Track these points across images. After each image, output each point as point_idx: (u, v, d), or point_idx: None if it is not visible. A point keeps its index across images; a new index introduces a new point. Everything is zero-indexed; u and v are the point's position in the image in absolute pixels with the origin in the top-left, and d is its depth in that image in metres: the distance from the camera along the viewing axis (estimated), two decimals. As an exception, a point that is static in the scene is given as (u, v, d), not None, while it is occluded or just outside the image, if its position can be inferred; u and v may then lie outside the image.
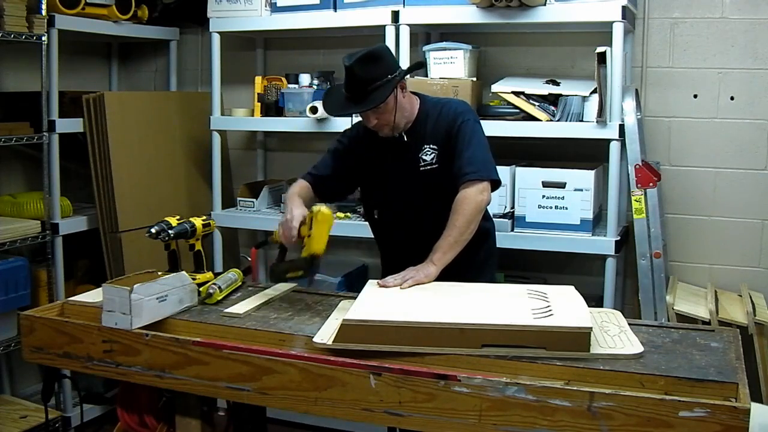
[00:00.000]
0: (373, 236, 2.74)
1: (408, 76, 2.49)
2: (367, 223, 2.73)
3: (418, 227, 2.47)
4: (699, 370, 1.78)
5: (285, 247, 2.35)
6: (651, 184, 3.00)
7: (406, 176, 2.49)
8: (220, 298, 2.33)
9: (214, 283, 2.33)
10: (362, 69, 2.30)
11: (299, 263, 2.28)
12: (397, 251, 2.54)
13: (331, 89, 2.53)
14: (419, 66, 2.64)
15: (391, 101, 2.37)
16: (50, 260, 3.43)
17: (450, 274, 2.31)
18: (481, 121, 3.09)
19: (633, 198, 3.01)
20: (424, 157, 2.46)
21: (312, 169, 2.62)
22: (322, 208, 2.23)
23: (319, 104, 3.31)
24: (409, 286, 2.23)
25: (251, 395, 1.96)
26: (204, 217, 2.48)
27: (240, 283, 2.47)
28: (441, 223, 2.36)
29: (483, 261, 2.60)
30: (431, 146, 2.46)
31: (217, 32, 3.58)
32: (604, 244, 2.99)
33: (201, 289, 2.32)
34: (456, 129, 2.42)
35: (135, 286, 2.07)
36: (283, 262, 2.35)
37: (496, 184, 2.42)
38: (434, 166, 2.46)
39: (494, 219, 2.94)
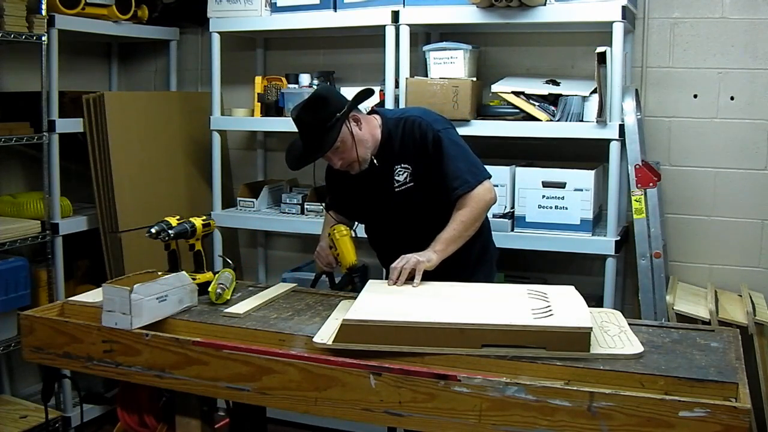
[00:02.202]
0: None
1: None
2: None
3: (404, 243, 2.42)
4: (699, 370, 1.78)
5: (330, 272, 2.64)
6: (651, 184, 3.00)
7: (383, 198, 2.49)
8: (229, 296, 2.34)
9: (221, 283, 2.33)
10: (309, 115, 2.31)
11: (343, 281, 2.54)
12: (391, 261, 2.55)
13: (291, 145, 2.51)
14: (367, 94, 2.41)
15: (348, 139, 2.34)
16: (50, 260, 3.43)
17: (448, 271, 2.32)
18: (480, 122, 3.12)
19: (633, 198, 3.01)
20: (397, 177, 2.44)
21: (327, 200, 2.75)
22: (337, 226, 2.50)
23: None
24: (411, 267, 2.25)
25: (251, 395, 1.96)
26: (204, 217, 2.49)
27: (236, 283, 2.47)
28: (427, 236, 2.36)
29: (477, 257, 2.59)
30: (402, 165, 2.43)
31: (217, 32, 3.58)
32: (604, 244, 2.99)
33: (210, 289, 2.32)
34: (431, 145, 2.39)
35: (135, 286, 2.07)
36: (335, 285, 2.63)
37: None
38: (409, 185, 2.44)
39: (494, 219, 2.96)
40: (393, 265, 2.29)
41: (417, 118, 2.44)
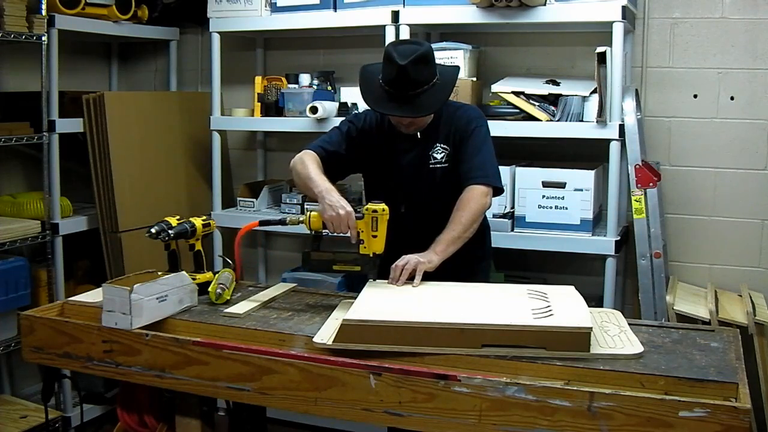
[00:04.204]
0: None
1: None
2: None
3: (418, 222, 2.50)
4: (699, 370, 1.78)
5: (321, 235, 2.33)
6: (651, 184, 3.00)
7: (415, 171, 2.52)
8: (229, 296, 2.34)
9: (221, 283, 2.33)
10: (415, 70, 2.29)
11: (357, 260, 2.28)
12: (394, 246, 2.56)
13: (365, 76, 2.44)
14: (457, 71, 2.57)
15: None
16: (50, 260, 3.43)
17: (447, 271, 2.33)
18: (481, 121, 3.11)
19: (633, 198, 3.01)
20: (434, 155, 2.50)
21: (324, 144, 2.52)
22: (379, 204, 2.24)
23: (319, 104, 3.31)
24: (412, 268, 2.25)
25: (251, 395, 1.96)
26: (204, 217, 2.48)
27: (235, 284, 2.47)
28: (440, 220, 2.39)
29: (480, 259, 2.64)
30: (443, 146, 2.50)
31: (217, 32, 3.58)
32: (604, 244, 2.99)
33: (210, 289, 2.32)
34: (469, 133, 2.47)
35: (135, 286, 2.07)
36: (322, 251, 2.33)
37: (498, 191, 2.48)
38: (444, 166, 2.50)
39: (494, 219, 2.97)
40: (394, 264, 2.29)
41: (470, 111, 2.57)
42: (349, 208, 2.23)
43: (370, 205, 2.24)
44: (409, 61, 2.26)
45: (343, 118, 2.68)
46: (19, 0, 3.13)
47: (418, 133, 2.50)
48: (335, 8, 3.35)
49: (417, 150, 2.52)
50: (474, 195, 2.39)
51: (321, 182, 2.33)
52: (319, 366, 1.88)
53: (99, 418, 3.59)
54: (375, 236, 2.23)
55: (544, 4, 2.98)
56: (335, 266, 2.32)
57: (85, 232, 3.59)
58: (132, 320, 2.07)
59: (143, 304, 2.09)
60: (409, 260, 2.27)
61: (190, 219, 2.43)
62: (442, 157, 2.50)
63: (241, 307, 2.24)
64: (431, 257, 2.29)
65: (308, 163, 2.41)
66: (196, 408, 2.18)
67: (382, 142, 2.55)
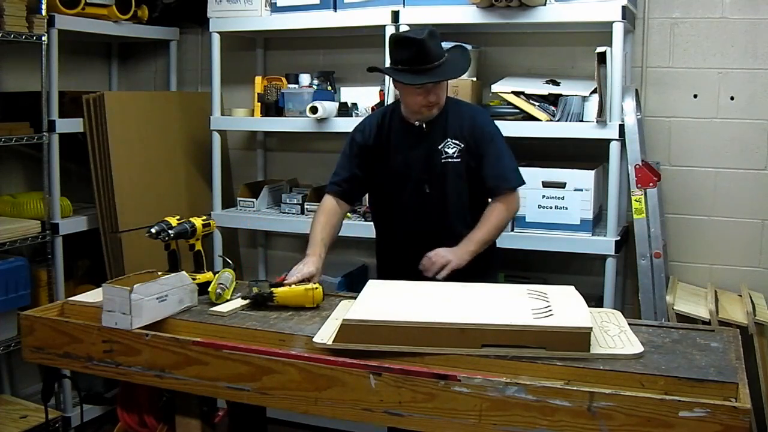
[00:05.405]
0: (372, 236, 2.78)
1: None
2: (366, 223, 2.73)
3: (425, 220, 2.53)
4: (699, 370, 1.78)
5: (280, 284, 2.39)
6: (651, 184, 3.00)
7: (423, 165, 2.53)
8: (229, 296, 2.34)
9: (221, 284, 2.33)
10: (432, 44, 2.38)
11: (260, 299, 2.29)
12: (395, 241, 2.57)
13: (380, 68, 2.62)
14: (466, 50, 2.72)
15: (446, 83, 2.49)
16: (50, 260, 3.43)
17: (454, 276, 2.34)
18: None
19: (633, 198, 3.01)
20: (446, 149, 2.52)
21: (333, 178, 2.65)
22: (317, 291, 2.30)
23: (319, 104, 3.31)
24: (443, 263, 2.35)
25: (251, 395, 1.96)
26: (204, 217, 2.49)
27: (235, 284, 2.46)
28: (445, 218, 2.42)
29: (490, 264, 2.65)
30: (454, 141, 2.52)
31: (217, 32, 3.58)
32: (604, 244, 2.99)
33: (210, 289, 2.32)
34: (488, 138, 2.52)
35: (135, 286, 2.07)
36: (267, 283, 2.38)
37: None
38: (456, 161, 2.51)
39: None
40: (427, 254, 2.38)
41: (478, 112, 2.65)
42: (307, 270, 2.35)
43: (316, 284, 2.33)
44: (425, 35, 2.36)
45: (348, 135, 2.69)
46: (19, 0, 3.13)
47: (424, 126, 2.51)
48: (335, 8, 3.35)
49: (425, 144, 2.53)
50: (507, 202, 2.48)
51: (309, 248, 2.48)
52: (319, 366, 1.88)
53: (99, 418, 3.59)
54: (288, 286, 2.30)
55: (544, 4, 2.98)
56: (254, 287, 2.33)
57: (85, 232, 3.59)
58: (132, 320, 2.06)
59: (143, 304, 2.09)
60: (443, 255, 2.35)
61: (190, 219, 2.43)
62: (454, 152, 2.51)
63: (225, 306, 2.24)
64: (464, 258, 2.37)
65: (317, 219, 2.56)
66: (196, 408, 2.18)
67: (389, 142, 2.56)
